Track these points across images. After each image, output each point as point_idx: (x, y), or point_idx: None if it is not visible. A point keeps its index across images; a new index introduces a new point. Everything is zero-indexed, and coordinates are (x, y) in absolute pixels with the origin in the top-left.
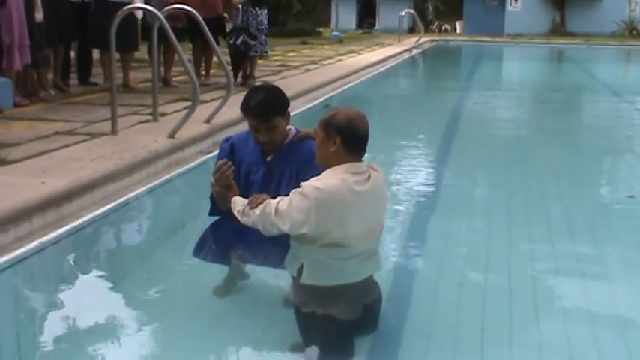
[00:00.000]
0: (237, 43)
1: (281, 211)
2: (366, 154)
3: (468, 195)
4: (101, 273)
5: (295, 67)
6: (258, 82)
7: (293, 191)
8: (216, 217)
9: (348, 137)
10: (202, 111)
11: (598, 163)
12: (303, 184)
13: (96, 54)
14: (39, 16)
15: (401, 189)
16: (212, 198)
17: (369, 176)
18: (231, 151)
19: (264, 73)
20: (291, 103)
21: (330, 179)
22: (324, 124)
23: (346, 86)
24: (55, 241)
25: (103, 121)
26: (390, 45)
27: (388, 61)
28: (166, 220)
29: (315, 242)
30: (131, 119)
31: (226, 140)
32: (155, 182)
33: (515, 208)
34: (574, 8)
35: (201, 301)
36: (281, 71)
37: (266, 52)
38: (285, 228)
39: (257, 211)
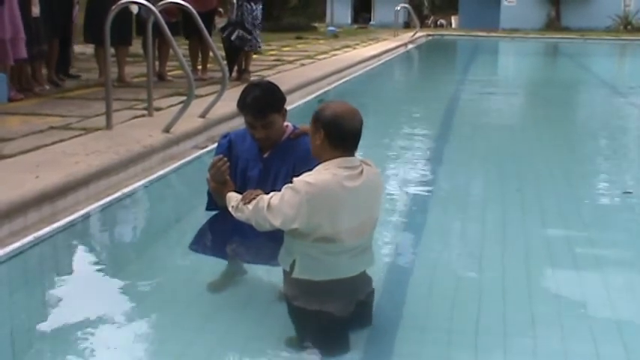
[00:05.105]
0: (233, 37)
1: (273, 206)
2: (360, 147)
3: (464, 188)
4: (96, 268)
5: (290, 62)
6: (253, 77)
7: (285, 186)
8: (214, 212)
9: (331, 132)
10: (197, 106)
11: (594, 158)
12: (294, 179)
13: (90, 49)
14: (35, 10)
15: (395, 182)
16: (209, 193)
17: (362, 171)
18: (228, 147)
19: (259, 67)
20: (287, 98)
21: (321, 174)
22: (313, 117)
23: (341, 81)
24: (50, 236)
25: (98, 115)
26: (385, 40)
27: (383, 55)
28: (161, 215)
29: (307, 237)
30: (126, 114)
31: (224, 136)
32: (150, 177)
33: (510, 202)
34: (569, 3)
35: (197, 296)
36: (276, 66)
37: (260, 47)
38: (276, 223)
39: (250, 207)
